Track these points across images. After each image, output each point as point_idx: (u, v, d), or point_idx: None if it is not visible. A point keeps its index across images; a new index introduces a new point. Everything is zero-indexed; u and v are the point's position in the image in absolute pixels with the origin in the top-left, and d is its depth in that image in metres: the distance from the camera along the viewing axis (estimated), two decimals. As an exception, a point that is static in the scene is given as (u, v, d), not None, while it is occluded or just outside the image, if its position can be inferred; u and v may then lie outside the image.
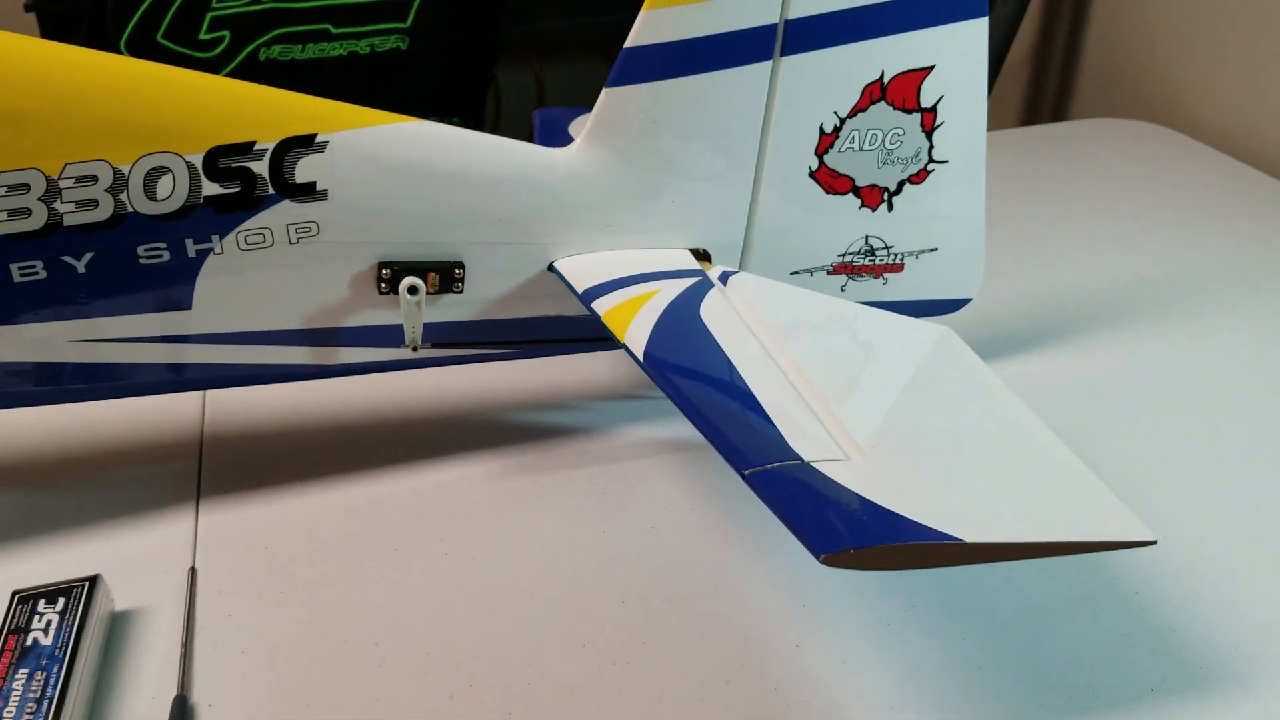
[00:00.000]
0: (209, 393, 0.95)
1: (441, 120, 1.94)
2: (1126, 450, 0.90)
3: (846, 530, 0.57)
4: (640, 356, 0.73)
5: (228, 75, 1.86)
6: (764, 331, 0.77)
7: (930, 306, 0.96)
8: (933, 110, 0.88)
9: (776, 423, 0.66)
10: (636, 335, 0.75)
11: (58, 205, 0.71)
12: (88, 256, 0.73)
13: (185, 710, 0.67)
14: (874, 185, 0.90)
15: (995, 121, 1.86)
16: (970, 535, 0.58)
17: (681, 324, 0.77)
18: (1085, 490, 0.65)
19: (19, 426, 0.89)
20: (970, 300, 0.97)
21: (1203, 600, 0.76)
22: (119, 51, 1.84)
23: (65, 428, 0.90)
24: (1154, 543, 0.61)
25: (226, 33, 1.86)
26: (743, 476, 0.61)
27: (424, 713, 0.67)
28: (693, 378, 0.71)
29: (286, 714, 0.67)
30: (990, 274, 1.04)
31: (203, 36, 1.86)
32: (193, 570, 0.78)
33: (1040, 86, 1.79)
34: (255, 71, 1.87)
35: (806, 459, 0.63)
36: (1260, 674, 0.70)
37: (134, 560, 0.79)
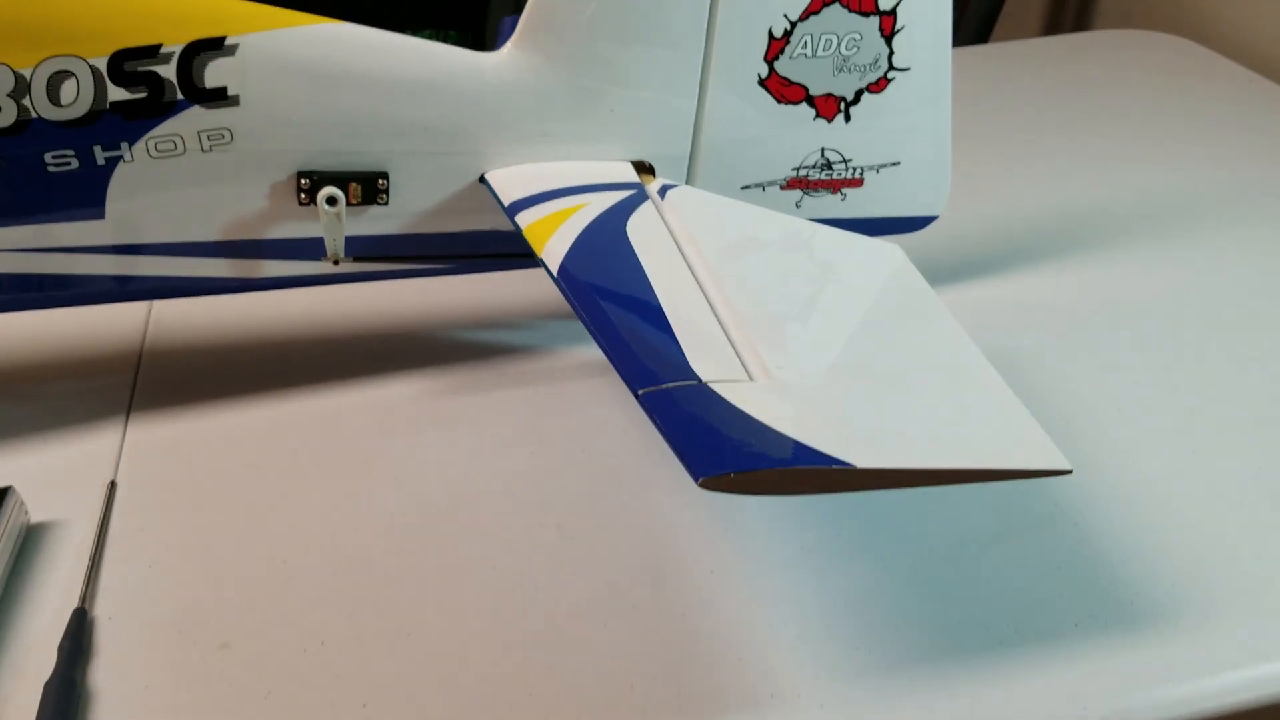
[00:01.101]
0: (154, 305, 0.94)
1: (440, 35, 1.90)
2: (1085, 380, 0.86)
3: (725, 453, 0.54)
4: (554, 272, 0.70)
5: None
6: (693, 248, 0.74)
7: (893, 224, 0.92)
8: (892, 13, 0.83)
9: (682, 342, 0.64)
10: (554, 250, 0.72)
11: (-43, 111, 0.69)
12: (-8, 163, 0.71)
13: (83, 623, 0.66)
14: (829, 94, 0.85)
15: (1014, 31, 1.79)
16: (864, 461, 0.55)
17: (603, 240, 0.73)
18: (1006, 417, 0.62)
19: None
20: (936, 218, 0.93)
21: (1142, 534, 0.72)
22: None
23: (2, 336, 0.89)
24: (1069, 471, 0.58)
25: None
26: (636, 396, 0.59)
27: (323, 632, 0.66)
28: (604, 296, 0.68)
29: (186, 628, 0.66)
30: (974, 190, 1.01)
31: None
32: (112, 484, 0.77)
33: (1061, -5, 1.72)
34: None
35: (705, 379, 0.60)
36: (1191, 612, 0.67)
37: (56, 473, 0.78)
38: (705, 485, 0.53)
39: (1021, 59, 1.45)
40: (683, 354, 0.62)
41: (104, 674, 0.64)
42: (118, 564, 0.71)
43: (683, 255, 0.73)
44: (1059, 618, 0.67)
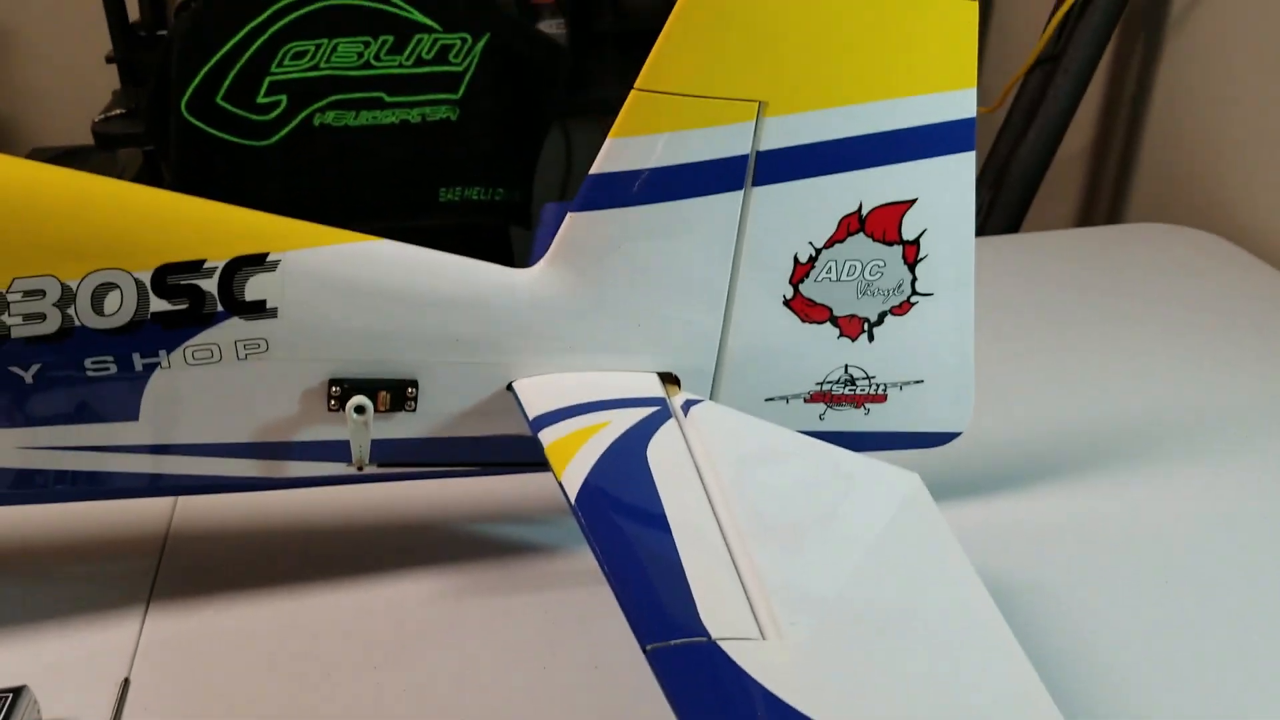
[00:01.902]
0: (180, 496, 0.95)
1: (489, 192, 1.96)
2: (1111, 618, 0.85)
3: (728, 725, 0.54)
4: (572, 500, 0.71)
5: (283, 139, 1.90)
6: (713, 475, 0.74)
7: (916, 439, 0.92)
8: (915, 243, 0.85)
9: (694, 590, 0.64)
10: (573, 476, 0.73)
11: (5, 318, 0.72)
12: (35, 367, 0.74)
13: (81, 839, 0.66)
14: (853, 315, 0.87)
15: (1048, 221, 1.82)
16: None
17: (623, 466, 0.74)
18: (1016, 687, 0.61)
19: (-18, 519, 0.91)
20: (960, 434, 0.93)
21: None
22: (180, 112, 1.90)
23: (31, 521, 0.91)
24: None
25: (284, 97, 1.90)
26: (644, 651, 0.59)
27: None
28: (619, 532, 0.69)
29: None
30: (999, 395, 1.01)
31: (261, 100, 1.90)
32: (125, 681, 0.78)
33: (1096, 186, 1.74)
34: (309, 136, 1.91)
35: (715, 636, 0.60)
36: None
37: (72, 667, 0.79)
38: (705, 755, 0.53)
39: (1052, 250, 1.46)
40: (694, 605, 0.62)
41: None
42: (124, 769, 0.71)
43: (703, 484, 0.73)
44: None
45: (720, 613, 0.62)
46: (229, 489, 0.82)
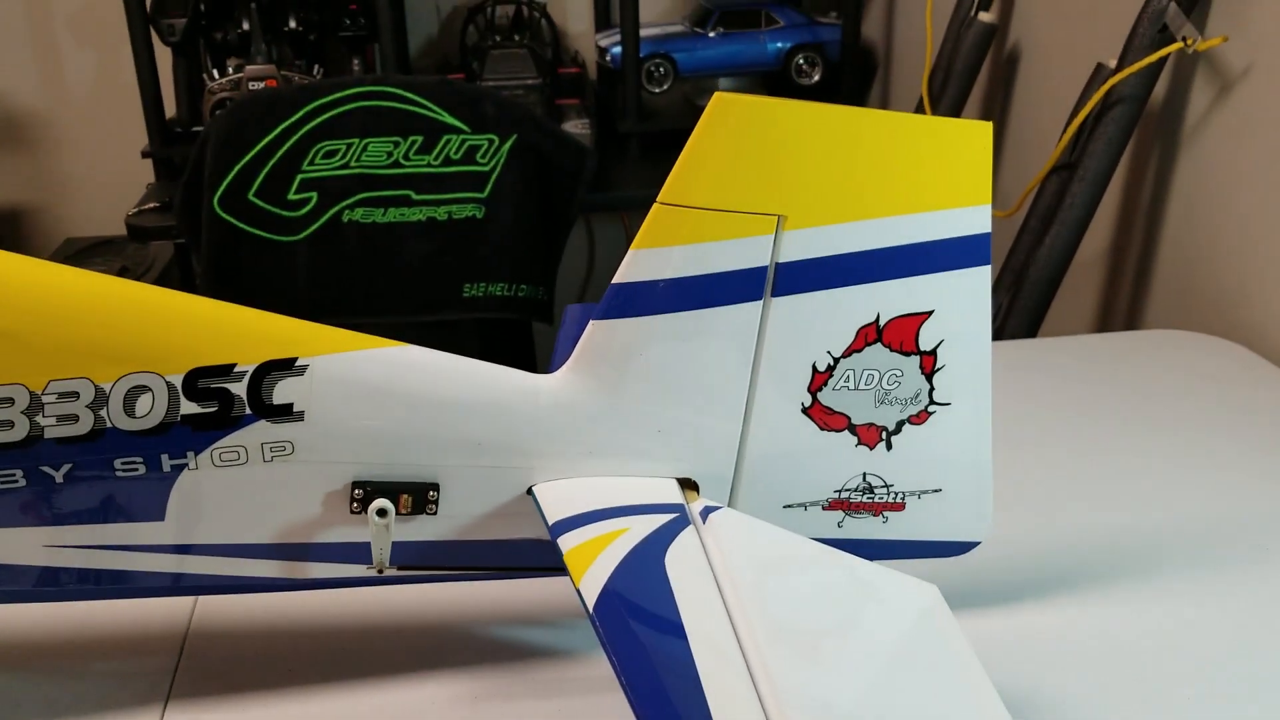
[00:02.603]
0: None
1: (512, 288, 1.99)
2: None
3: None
4: (590, 607, 0.71)
5: (312, 235, 1.94)
6: (730, 584, 0.75)
7: (935, 548, 0.92)
8: (933, 354, 0.86)
9: (710, 699, 0.64)
10: (591, 584, 0.73)
11: (40, 419, 0.73)
12: (66, 467, 0.75)
13: None
14: (871, 424, 0.87)
15: (1066, 326, 1.83)
16: None
17: (641, 573, 0.75)
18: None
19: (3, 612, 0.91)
20: (978, 544, 0.93)
21: None
22: (213, 207, 1.94)
23: (52, 619, 0.92)
24: None
25: (314, 194, 1.95)
26: (658, 764, 0.59)
27: None
28: (636, 640, 0.69)
29: None
30: (1018, 503, 1.01)
31: (291, 196, 1.95)
32: (141, 784, 0.78)
33: (1114, 292, 1.76)
34: (337, 232, 1.95)
35: (730, 751, 0.60)
36: None
37: (88, 765, 0.79)
38: None
39: (1069, 355, 1.47)
40: (710, 715, 0.63)
41: None
42: None
43: (720, 593, 0.74)
44: None
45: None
46: (250, 589, 0.83)
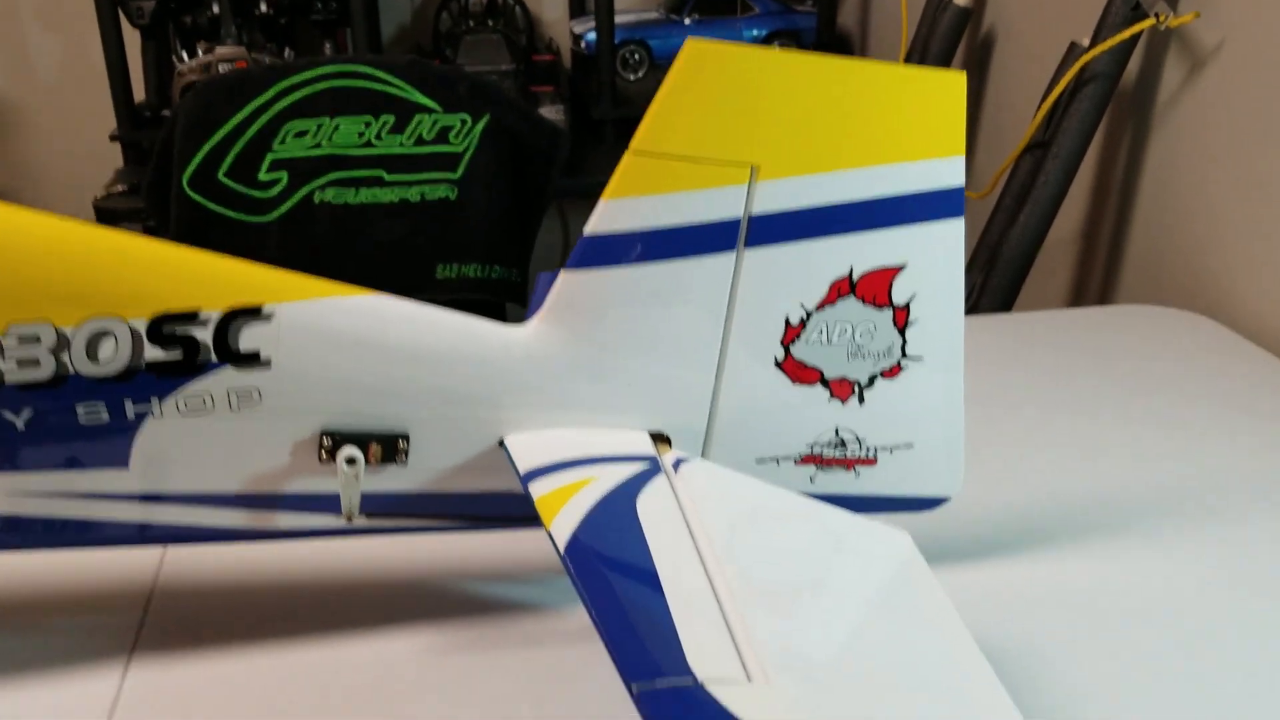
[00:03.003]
0: (169, 547, 0.95)
1: (486, 270, 1.98)
2: (1102, 684, 0.84)
3: (713, 769, 0.54)
4: (561, 549, 0.71)
5: (283, 215, 1.93)
6: (703, 529, 0.74)
7: (906, 503, 0.92)
8: (905, 308, 0.86)
9: (681, 635, 0.63)
10: (562, 526, 0.73)
11: (0, 364, 0.72)
12: (27, 414, 0.74)
13: None
14: (844, 378, 0.87)
15: (1040, 304, 1.84)
16: (854, 783, 0.54)
17: (612, 517, 0.74)
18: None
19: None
20: (950, 499, 0.93)
21: None
22: (182, 187, 1.92)
23: (16, 571, 0.90)
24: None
25: (284, 174, 1.93)
26: (629, 690, 0.59)
27: None
28: (607, 578, 0.69)
29: None
30: (990, 466, 1.01)
31: (262, 177, 1.93)
32: (103, 734, 0.77)
33: (1087, 269, 1.77)
34: (308, 213, 1.93)
35: (701, 678, 0.60)
36: None
37: (51, 713, 0.78)
38: (690, 798, 0.52)
39: (1043, 330, 1.48)
40: (681, 649, 0.62)
41: None
42: (98, 823, 0.70)
43: (691, 537, 0.73)
44: None
45: (707, 657, 0.62)
46: (218, 539, 0.82)
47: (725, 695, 0.59)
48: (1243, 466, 1.14)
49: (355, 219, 1.92)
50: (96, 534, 0.79)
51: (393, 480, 0.82)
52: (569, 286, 0.81)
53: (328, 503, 0.81)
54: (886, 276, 0.85)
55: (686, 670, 0.60)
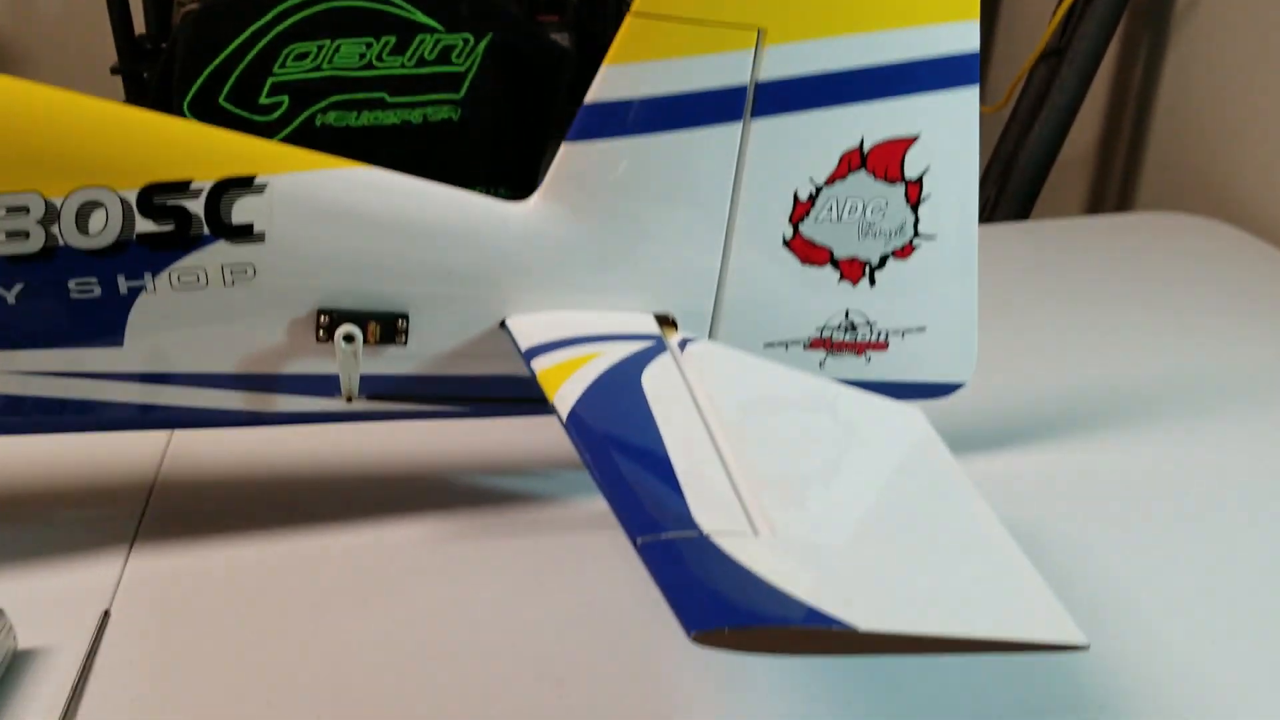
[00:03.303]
0: (171, 439, 0.94)
1: (490, 191, 1.95)
2: (1117, 560, 0.83)
3: (721, 609, 0.52)
4: (564, 418, 0.69)
5: (284, 139, 1.90)
6: (708, 401, 0.72)
7: (918, 389, 0.90)
8: (918, 182, 0.83)
9: (686, 493, 0.62)
10: (566, 396, 0.71)
11: (-12, 234, 0.70)
12: (18, 288, 0.72)
13: (52, 759, 0.64)
14: (854, 258, 0.85)
15: (1055, 209, 1.80)
16: (866, 624, 0.52)
17: (616, 389, 0.73)
18: (1021, 588, 0.59)
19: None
20: (963, 385, 0.91)
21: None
22: (183, 114, 1.89)
23: (20, 462, 0.89)
24: (1085, 648, 0.55)
25: (285, 98, 1.90)
26: (634, 544, 0.57)
27: (299, 782, 0.63)
28: (611, 443, 0.67)
29: (157, 772, 0.64)
30: (1007, 360, 0.99)
31: (263, 101, 1.90)
32: (105, 613, 0.75)
33: (1104, 178, 1.73)
34: (310, 137, 1.90)
35: (706, 531, 0.58)
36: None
37: (52, 600, 0.77)
38: (698, 640, 0.51)
39: (1060, 237, 1.45)
40: (686, 505, 0.60)
41: (67, 813, 0.61)
42: (100, 695, 0.69)
43: (697, 407, 0.72)
44: (1080, 810, 0.62)
45: (712, 511, 0.60)
46: (217, 423, 0.80)
47: (731, 545, 0.57)
48: (1259, 360, 1.12)
49: (357, 142, 1.89)
50: (94, 416, 0.78)
51: (393, 362, 0.80)
52: (569, 159, 0.79)
53: (327, 385, 0.80)
54: (899, 148, 0.82)
55: (692, 525, 0.59)
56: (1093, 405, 1.04)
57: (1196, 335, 1.18)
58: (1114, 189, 1.72)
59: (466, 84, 1.89)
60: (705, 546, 0.57)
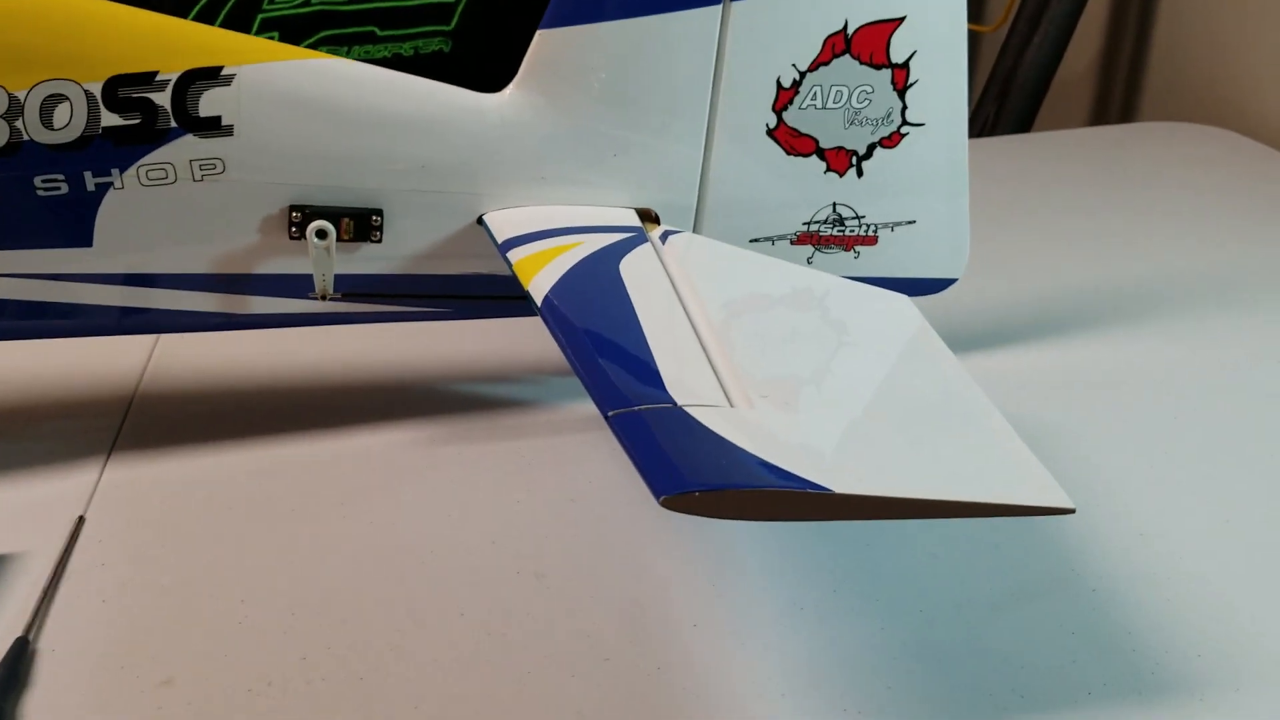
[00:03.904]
0: (153, 352, 0.92)
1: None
2: (1111, 452, 0.82)
3: (690, 471, 0.51)
4: (539, 303, 0.67)
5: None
6: (688, 286, 0.71)
7: (909, 285, 0.88)
8: (905, 67, 0.81)
9: (661, 368, 0.60)
10: (542, 283, 0.69)
11: (-52, 129, 0.69)
12: (-19, 185, 0.71)
13: (22, 653, 0.63)
14: (840, 147, 0.83)
15: (1058, 121, 1.76)
16: (842, 486, 0.51)
17: (594, 275, 0.71)
18: (1005, 453, 0.57)
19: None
20: (955, 280, 0.89)
21: (1168, 606, 0.67)
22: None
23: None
24: (1071, 510, 0.53)
25: (275, 33, 1.87)
26: (606, 418, 0.55)
27: (271, 673, 0.62)
28: (586, 322, 0.65)
29: (130, 663, 0.63)
30: (1006, 263, 0.97)
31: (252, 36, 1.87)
32: (80, 519, 0.74)
33: (1106, 91, 1.70)
34: (302, 72, 1.87)
35: (681, 403, 0.57)
36: (1218, 688, 0.61)
37: (28, 506, 0.76)
38: (668, 505, 0.49)
39: (1063, 148, 1.42)
40: (661, 380, 0.59)
41: (36, 705, 0.60)
42: (71, 598, 0.68)
43: (676, 292, 0.70)
44: (1071, 685, 0.61)
45: (688, 386, 0.58)
46: (192, 327, 0.79)
47: (705, 416, 0.55)
48: (1259, 260, 1.10)
49: (350, 77, 1.87)
50: (63, 321, 0.76)
51: (368, 261, 0.78)
52: (544, 47, 0.77)
53: (302, 285, 0.78)
54: (884, 31, 0.80)
55: (666, 398, 0.57)
56: (1090, 306, 1.02)
57: (1198, 239, 1.16)
58: (1117, 103, 1.68)
59: (457, 14, 1.86)
60: (679, 416, 0.55)
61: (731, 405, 0.57)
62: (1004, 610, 0.66)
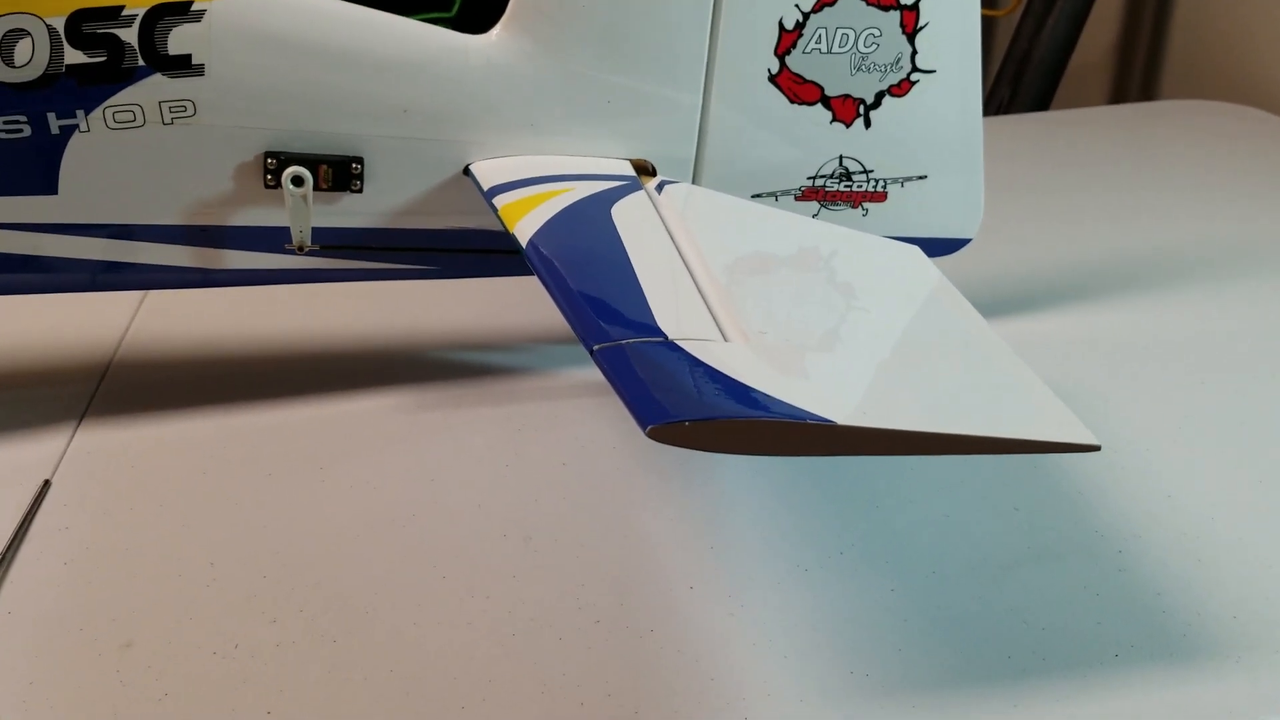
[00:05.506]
0: (134, 319, 0.89)
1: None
2: (1137, 413, 0.78)
3: (679, 400, 0.46)
4: (524, 245, 0.63)
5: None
6: (682, 230, 0.67)
7: (921, 246, 0.83)
8: (914, 9, 0.77)
9: (652, 305, 0.56)
10: (528, 225, 0.65)
11: (-98, 67, 0.65)
12: (-62, 127, 0.67)
13: (-27, 615, 0.59)
14: (847, 96, 0.79)
15: (1077, 99, 1.72)
16: (846, 418, 0.46)
17: (584, 218, 0.67)
18: (1025, 391, 0.53)
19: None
20: (969, 241, 0.84)
21: (1198, 566, 0.62)
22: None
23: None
24: (1097, 448, 0.49)
25: None
26: (591, 353, 0.51)
27: (238, 636, 0.58)
28: (572, 260, 0.61)
29: (89, 626, 0.59)
30: (1026, 231, 0.94)
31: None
32: (46, 483, 0.70)
33: (1127, 68, 1.65)
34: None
35: (673, 337, 0.52)
36: (1253, 648, 0.56)
37: (-6, 471, 0.72)
38: (655, 436, 0.45)
39: (1082, 126, 1.38)
40: (651, 314, 0.55)
41: (-15, 666, 0.56)
42: (32, 561, 0.64)
43: (669, 234, 0.66)
44: (1096, 647, 0.56)
45: (680, 320, 0.54)
46: (164, 284, 0.75)
47: (698, 349, 0.51)
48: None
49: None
50: (27, 276, 0.72)
51: (349, 213, 0.74)
52: (535, -14, 0.73)
53: (280, 237, 0.74)
54: (891, -31, 0.76)
55: (656, 331, 0.53)
56: (1114, 276, 0.98)
57: (1221, 213, 1.12)
58: (1136, 82, 1.64)
59: (458, 1, 1.83)
60: (670, 349, 0.51)
61: (726, 339, 0.53)
62: (1023, 571, 0.62)
